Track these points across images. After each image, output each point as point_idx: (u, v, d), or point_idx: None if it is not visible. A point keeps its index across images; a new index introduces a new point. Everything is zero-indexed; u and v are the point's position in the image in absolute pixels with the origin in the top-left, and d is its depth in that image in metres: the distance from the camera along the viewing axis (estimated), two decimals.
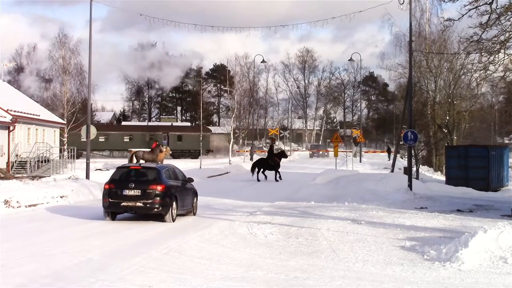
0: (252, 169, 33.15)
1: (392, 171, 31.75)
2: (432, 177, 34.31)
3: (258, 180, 31.76)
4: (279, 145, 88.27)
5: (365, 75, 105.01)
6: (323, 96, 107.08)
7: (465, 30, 20.71)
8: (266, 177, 32.57)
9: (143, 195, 14.79)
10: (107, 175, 33.65)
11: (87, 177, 25.01)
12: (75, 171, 32.70)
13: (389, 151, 68.60)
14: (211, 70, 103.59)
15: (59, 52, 47.41)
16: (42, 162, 35.42)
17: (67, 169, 35.67)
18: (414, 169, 28.78)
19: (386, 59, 41.00)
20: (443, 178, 32.26)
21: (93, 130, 26.10)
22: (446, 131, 36.50)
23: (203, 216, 16.57)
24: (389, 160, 60.67)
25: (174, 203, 15.23)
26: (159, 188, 14.89)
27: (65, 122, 45.34)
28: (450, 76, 37.32)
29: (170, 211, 15.03)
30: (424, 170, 37.36)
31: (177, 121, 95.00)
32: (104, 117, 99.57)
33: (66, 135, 46.19)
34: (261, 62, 61.47)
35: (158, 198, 14.81)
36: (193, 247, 11.36)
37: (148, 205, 14.79)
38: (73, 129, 45.11)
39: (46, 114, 41.14)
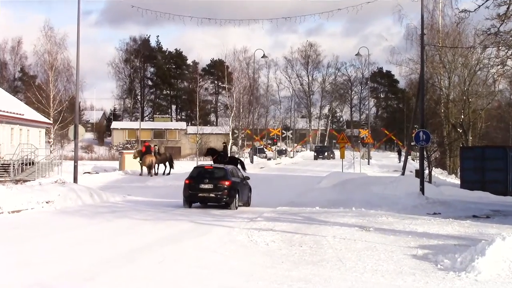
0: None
1: (403, 174, 31.74)
2: (445, 180, 34.31)
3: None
4: (281, 146, 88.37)
5: (373, 71, 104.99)
6: (328, 93, 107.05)
7: (481, 22, 20.75)
8: None
9: (215, 188, 20.31)
10: (96, 179, 34.18)
11: (75, 180, 25.00)
12: (62, 175, 32.70)
13: (399, 153, 68.69)
14: (208, 66, 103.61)
15: (45, 47, 47.44)
16: (26, 164, 35.42)
17: (54, 172, 35.67)
18: (426, 172, 28.77)
19: (396, 53, 41.12)
20: (457, 181, 32.25)
21: (81, 131, 26.09)
22: (460, 131, 36.51)
23: (199, 222, 16.56)
24: (399, 162, 60.75)
25: (237, 195, 20.59)
26: (226, 183, 20.33)
27: (51, 122, 45.36)
28: (465, 71, 37.32)
29: (234, 201, 20.41)
30: (437, 173, 37.38)
31: (171, 121, 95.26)
32: (94, 116, 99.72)
33: (52, 135, 46.20)
34: (262, 57, 61.62)
35: (226, 190, 20.28)
36: (190, 255, 11.35)
37: (218, 196, 20.29)
38: (60, 129, 45.18)
39: (30, 113, 41.16)
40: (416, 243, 12.81)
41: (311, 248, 12.25)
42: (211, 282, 9.11)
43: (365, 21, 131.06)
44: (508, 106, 49.99)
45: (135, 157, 37.77)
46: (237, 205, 20.68)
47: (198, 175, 21.08)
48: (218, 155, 35.03)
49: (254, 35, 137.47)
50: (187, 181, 20.84)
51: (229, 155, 35.57)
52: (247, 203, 22.34)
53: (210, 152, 35.69)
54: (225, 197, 20.31)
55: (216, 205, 21.19)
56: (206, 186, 20.42)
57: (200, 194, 20.51)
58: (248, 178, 23.03)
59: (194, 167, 22.80)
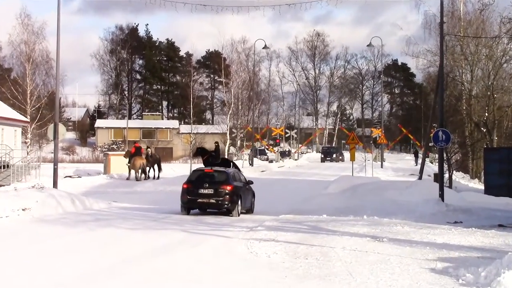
0: None
1: (420, 178, 31.72)
2: (468, 185, 34.28)
3: None
4: (284, 147, 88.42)
5: (387, 63, 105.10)
6: (337, 88, 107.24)
7: (508, 8, 20.71)
8: None
9: (215, 194, 20.55)
10: (78, 183, 34.20)
11: (55, 185, 24.97)
12: (40, 179, 32.69)
13: (416, 155, 68.74)
14: (203, 58, 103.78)
15: (21, 36, 47.42)
16: (0, 167, 35.41)
17: (31, 176, 35.67)
18: (446, 175, 28.72)
19: (412, 44, 40.96)
20: (481, 186, 32.19)
21: (61, 130, 26.06)
22: (484, 130, 36.46)
23: (193, 232, 16.56)
24: (416, 165, 60.76)
25: (239, 201, 20.93)
26: (228, 188, 20.60)
27: (29, 120, 45.36)
28: (489, 64, 37.27)
29: (237, 207, 20.72)
30: (459, 177, 37.35)
31: (162, 119, 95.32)
32: (76, 114, 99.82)
33: (29, 135, 46.22)
34: (263, 48, 61.64)
35: (227, 196, 20.53)
36: (182, 268, 11.33)
37: (219, 202, 20.55)
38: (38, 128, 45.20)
39: (5, 111, 41.13)
40: (434, 255, 12.78)
41: (318, 260, 12.22)
42: None
43: (378, 8, 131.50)
44: None
45: (125, 157, 37.90)
46: (239, 211, 21.00)
47: (197, 179, 21.33)
48: (209, 155, 35.06)
49: (255, 24, 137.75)
50: (185, 186, 21.07)
51: (227, 156, 35.56)
52: (250, 210, 22.64)
53: (200, 152, 35.71)
54: (226, 203, 20.59)
55: (213, 213, 21.23)
56: (206, 191, 20.67)
57: (199, 200, 20.75)
58: (251, 182, 23.27)
59: (193, 170, 23.22)
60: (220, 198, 20.56)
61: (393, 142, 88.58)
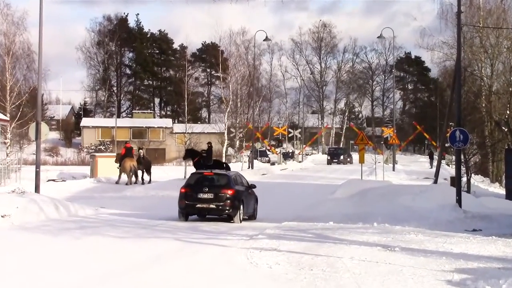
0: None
1: (436, 182, 31.76)
2: (487, 189, 34.32)
3: None
4: (287, 148, 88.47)
5: (399, 57, 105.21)
6: (345, 84, 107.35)
7: None
8: None
9: (216, 198, 20.80)
10: (63, 188, 34.16)
11: (37, 190, 24.99)
12: (21, 182, 32.71)
13: (431, 156, 68.77)
14: (199, 51, 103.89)
15: (0, 27, 47.47)
16: None
17: (10, 179, 35.67)
18: (464, 179, 28.73)
19: (427, 35, 40.97)
20: (502, 191, 32.21)
21: (44, 129, 26.09)
22: (506, 129, 36.44)
23: (188, 241, 16.57)
24: (431, 167, 60.80)
25: (241, 206, 21.20)
26: (229, 192, 20.88)
27: (8, 119, 45.37)
28: (511, 57, 37.29)
29: (238, 213, 21.03)
30: (478, 181, 37.35)
31: (154, 117, 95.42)
32: (60, 112, 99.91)
33: (9, 135, 46.23)
34: (264, 40, 61.60)
35: (228, 201, 20.80)
36: (176, 281, 11.34)
37: (220, 207, 20.82)
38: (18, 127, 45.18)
39: None
40: (451, 266, 12.80)
41: (324, 272, 12.24)
42: None
43: None
44: None
45: (116, 162, 37.89)
46: (241, 218, 21.29)
47: (196, 182, 21.67)
48: (200, 157, 35.16)
49: (255, 14, 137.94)
50: (183, 190, 21.32)
51: (225, 158, 35.67)
52: (252, 216, 22.97)
53: (190, 154, 35.82)
54: (227, 208, 20.87)
55: (209, 219, 21.27)
56: (206, 196, 20.96)
57: (198, 205, 20.98)
58: (254, 186, 23.54)
59: (192, 173, 23.55)
60: (221, 203, 20.80)
61: (405, 142, 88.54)
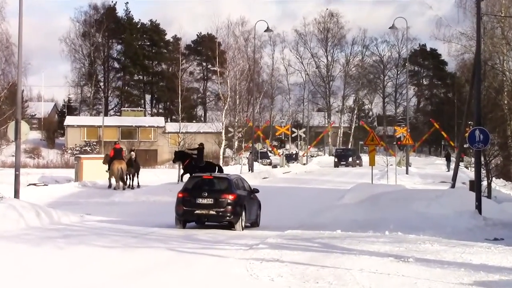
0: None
1: (453, 186, 31.75)
2: (510, 194, 34.28)
3: None
4: (290, 149, 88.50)
5: (413, 49, 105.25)
6: (354, 79, 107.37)
7: None
8: None
9: (216, 204, 20.87)
10: (45, 193, 34.12)
11: (16, 195, 24.98)
12: None
13: (448, 158, 68.80)
14: (194, 43, 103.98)
15: None
16: None
17: None
18: (484, 183, 28.70)
19: (444, 26, 40.95)
20: None
21: (25, 128, 26.07)
22: None
23: (182, 251, 16.59)
24: (448, 170, 60.80)
25: (243, 212, 21.28)
26: (230, 197, 20.98)
27: None
28: None
29: (240, 220, 21.08)
30: (499, 185, 37.31)
31: (145, 115, 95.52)
32: (42, 109, 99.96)
33: None
34: (265, 31, 61.63)
35: (229, 207, 20.90)
36: None
37: (220, 214, 20.92)
38: None
39: None
40: (470, 278, 12.79)
41: (331, 285, 12.23)
42: None
43: None
44: None
45: (104, 163, 37.90)
46: (243, 225, 21.37)
47: (194, 187, 21.81)
48: (191, 159, 35.20)
49: (255, 2, 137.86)
50: (180, 195, 21.42)
51: (222, 161, 35.76)
52: (255, 223, 23.16)
53: (179, 156, 35.81)
54: (228, 214, 21.00)
55: (206, 227, 21.28)
56: (205, 201, 21.02)
57: (197, 211, 21.03)
58: (257, 191, 23.61)
59: (190, 177, 23.91)
60: (221, 209, 20.89)
61: (419, 142, 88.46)
